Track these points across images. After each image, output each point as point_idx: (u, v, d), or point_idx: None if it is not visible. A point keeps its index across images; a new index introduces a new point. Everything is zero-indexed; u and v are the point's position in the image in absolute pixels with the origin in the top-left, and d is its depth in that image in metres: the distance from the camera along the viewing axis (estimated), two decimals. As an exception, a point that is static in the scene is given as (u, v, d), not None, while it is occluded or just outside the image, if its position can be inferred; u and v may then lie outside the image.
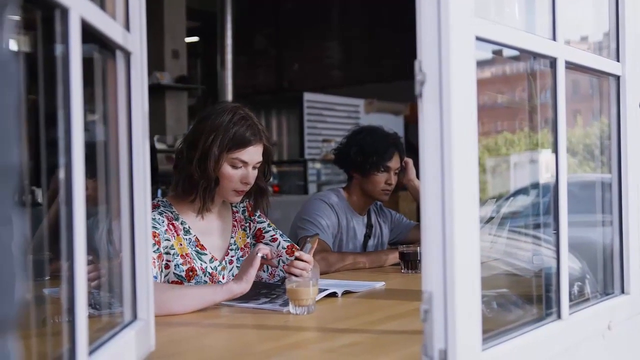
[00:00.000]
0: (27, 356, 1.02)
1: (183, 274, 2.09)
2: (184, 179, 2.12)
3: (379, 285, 2.28)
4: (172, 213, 2.14)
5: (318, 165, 7.48)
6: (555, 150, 1.49)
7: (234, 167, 2.11)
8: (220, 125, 2.08)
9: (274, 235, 2.32)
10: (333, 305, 1.98)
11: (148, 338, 1.36)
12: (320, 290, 1.96)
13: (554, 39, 1.48)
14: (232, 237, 2.26)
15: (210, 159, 2.07)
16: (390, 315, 1.83)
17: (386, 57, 9.08)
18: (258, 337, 1.62)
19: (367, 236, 3.04)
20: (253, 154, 2.12)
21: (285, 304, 1.85)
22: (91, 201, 1.05)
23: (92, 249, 1.23)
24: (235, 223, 2.29)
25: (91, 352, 1.06)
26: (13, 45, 0.59)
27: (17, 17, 0.61)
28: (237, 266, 2.23)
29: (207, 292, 1.89)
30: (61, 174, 0.96)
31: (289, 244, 2.31)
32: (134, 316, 1.33)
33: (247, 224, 2.32)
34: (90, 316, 1.02)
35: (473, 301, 1.18)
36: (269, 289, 2.07)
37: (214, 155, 2.07)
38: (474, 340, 1.19)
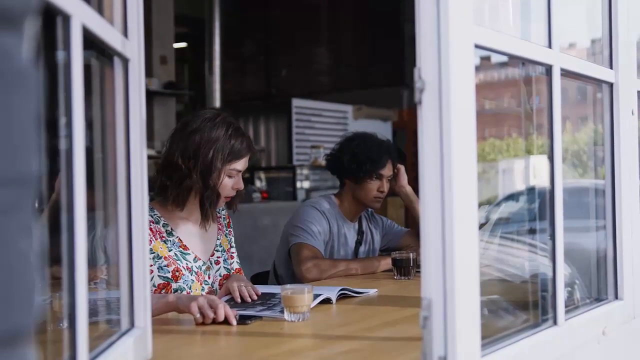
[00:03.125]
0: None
1: (169, 274, 2.13)
2: (184, 191, 2.16)
3: (372, 292, 2.28)
4: (152, 216, 2.17)
5: (306, 171, 7.46)
6: (551, 156, 1.50)
7: (230, 176, 2.20)
8: (218, 139, 2.15)
9: (233, 253, 2.40)
10: (327, 312, 1.98)
11: (145, 346, 1.35)
12: (315, 297, 1.96)
13: (550, 46, 1.49)
14: (218, 239, 2.33)
15: (214, 172, 2.15)
16: (386, 322, 1.83)
17: (375, 63, 9.10)
18: (254, 345, 1.61)
19: (359, 243, 3.04)
20: (246, 162, 2.24)
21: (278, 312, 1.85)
22: (86, 208, 1.04)
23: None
24: (220, 227, 2.36)
25: (90, 361, 1.05)
26: (32, 53, 0.59)
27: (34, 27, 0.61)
28: (224, 267, 2.31)
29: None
30: (62, 182, 0.95)
31: (238, 267, 2.39)
32: (132, 324, 1.32)
33: (227, 232, 2.40)
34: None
35: (472, 308, 1.18)
36: (264, 299, 2.06)
37: (217, 169, 2.15)
38: (474, 346, 1.19)
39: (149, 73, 7.11)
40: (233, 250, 2.40)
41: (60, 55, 0.96)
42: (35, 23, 0.62)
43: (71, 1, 0.95)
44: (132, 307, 1.32)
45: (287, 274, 2.85)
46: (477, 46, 1.21)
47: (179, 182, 2.15)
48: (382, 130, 7.44)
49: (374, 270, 2.76)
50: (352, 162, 2.89)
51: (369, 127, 6.47)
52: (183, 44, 9.69)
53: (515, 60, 1.57)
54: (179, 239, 2.20)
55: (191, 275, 2.17)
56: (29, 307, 0.55)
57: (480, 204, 2.11)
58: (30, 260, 0.55)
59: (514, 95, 1.92)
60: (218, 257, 2.30)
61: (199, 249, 2.25)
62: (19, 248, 0.54)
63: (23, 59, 0.58)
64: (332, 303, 2.05)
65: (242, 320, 1.79)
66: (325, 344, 1.62)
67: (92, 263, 1.45)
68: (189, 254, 2.20)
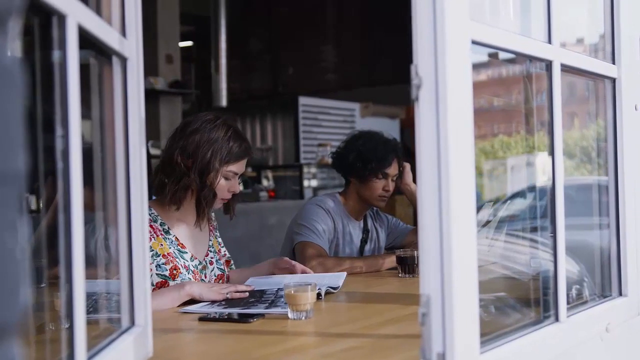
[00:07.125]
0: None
1: (167, 272, 2.16)
2: (181, 189, 2.19)
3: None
4: (150, 215, 2.19)
5: (314, 170, 7.46)
6: (552, 152, 1.50)
7: (226, 178, 2.23)
8: (217, 140, 2.19)
9: (225, 251, 2.46)
10: (331, 310, 1.98)
11: (146, 344, 1.35)
12: None
13: (550, 42, 1.49)
14: (210, 240, 2.38)
15: (212, 172, 2.19)
16: (389, 320, 1.83)
17: (382, 60, 9.08)
18: (256, 343, 1.61)
19: (364, 241, 3.04)
20: (243, 165, 2.28)
21: (287, 306, 1.85)
22: (87, 209, 1.04)
23: (88, 256, 1.23)
24: (211, 229, 2.41)
25: (89, 359, 1.05)
26: (17, 52, 0.60)
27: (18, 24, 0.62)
28: (217, 267, 2.35)
29: (166, 301, 1.98)
30: (59, 181, 0.96)
31: (221, 273, 2.38)
32: (132, 322, 1.32)
33: (216, 234, 2.45)
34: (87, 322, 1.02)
35: (471, 304, 1.18)
36: (256, 297, 2.05)
37: (215, 169, 2.19)
38: (472, 343, 1.19)
39: (154, 72, 7.13)
40: (224, 249, 2.45)
41: (56, 55, 0.96)
42: (20, 22, 0.62)
43: (66, 1, 0.95)
44: (133, 305, 1.32)
45: (292, 272, 2.85)
46: (474, 42, 1.21)
47: (177, 180, 2.18)
48: (390, 128, 7.44)
49: (378, 268, 2.75)
50: (358, 160, 2.89)
51: (376, 124, 6.45)
52: (189, 43, 9.69)
53: (519, 56, 1.56)
54: (176, 237, 2.24)
55: (188, 273, 2.21)
56: (14, 303, 0.55)
57: (489, 201, 2.10)
58: (16, 257, 0.56)
59: (523, 92, 1.92)
60: (211, 258, 2.36)
61: (195, 249, 2.29)
62: (4, 244, 0.55)
63: (8, 58, 0.58)
64: (321, 299, 2.04)
65: (245, 318, 1.79)
66: (327, 341, 1.62)
67: (96, 265, 1.46)
68: (186, 252, 2.25)
